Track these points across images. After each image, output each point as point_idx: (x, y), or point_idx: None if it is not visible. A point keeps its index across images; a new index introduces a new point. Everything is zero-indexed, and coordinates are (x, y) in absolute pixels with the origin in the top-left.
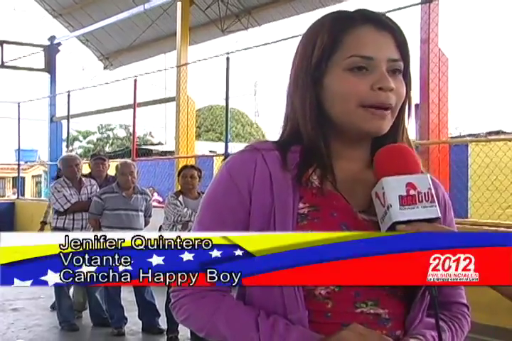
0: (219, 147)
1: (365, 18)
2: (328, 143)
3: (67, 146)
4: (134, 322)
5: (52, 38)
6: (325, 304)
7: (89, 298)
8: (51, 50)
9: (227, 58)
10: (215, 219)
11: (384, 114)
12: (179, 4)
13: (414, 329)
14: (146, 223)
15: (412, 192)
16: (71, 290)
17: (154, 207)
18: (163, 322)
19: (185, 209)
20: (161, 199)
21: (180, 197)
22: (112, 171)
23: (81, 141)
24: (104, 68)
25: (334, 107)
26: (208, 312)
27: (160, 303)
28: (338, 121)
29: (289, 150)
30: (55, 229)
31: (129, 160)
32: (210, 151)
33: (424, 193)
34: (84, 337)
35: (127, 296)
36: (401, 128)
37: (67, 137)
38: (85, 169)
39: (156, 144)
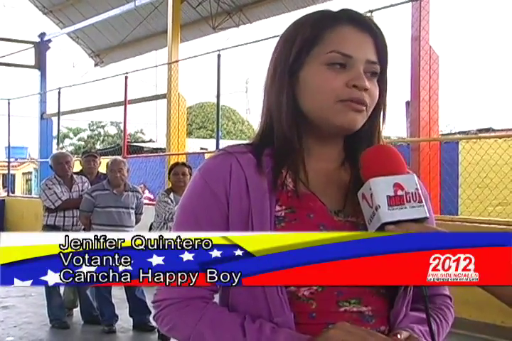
0: (210, 144)
1: (349, 17)
2: (301, 140)
3: (58, 143)
4: (125, 320)
5: (42, 35)
6: (309, 305)
7: (80, 296)
8: (41, 47)
9: (219, 55)
10: (194, 228)
11: (360, 107)
12: (170, 1)
13: (399, 324)
14: (137, 220)
15: (399, 192)
16: (61, 288)
17: (145, 204)
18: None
19: (176, 207)
20: (152, 197)
21: (171, 195)
22: (103, 168)
23: (72, 138)
24: (95, 65)
25: (308, 101)
26: (192, 320)
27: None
28: (311, 115)
29: (262, 153)
30: (46, 226)
31: (119, 157)
32: (201, 148)
33: (412, 193)
34: (75, 335)
35: (118, 294)
36: (376, 133)
37: (58, 134)
38: (77, 166)
39: (147, 141)
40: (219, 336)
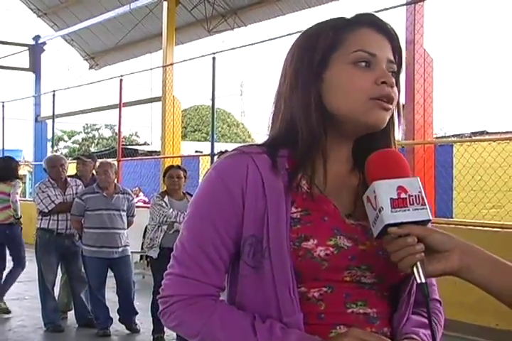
0: (205, 147)
1: (370, 21)
2: (324, 144)
3: (52, 146)
4: (119, 323)
5: (37, 38)
6: (318, 306)
7: (74, 299)
8: (36, 50)
9: (213, 58)
10: (207, 225)
11: (388, 106)
12: (165, 4)
13: (403, 327)
14: (130, 223)
15: (403, 195)
16: (56, 291)
17: (140, 207)
18: (148, 323)
19: (171, 210)
20: (147, 200)
21: (166, 198)
22: None
23: (66, 141)
24: (90, 68)
25: (337, 101)
26: (201, 318)
27: (146, 304)
28: (340, 114)
29: (277, 154)
30: (40, 229)
31: (106, 160)
32: (196, 151)
33: (415, 196)
34: (70, 338)
35: (112, 297)
36: (392, 133)
37: (52, 137)
38: (72, 169)
39: (141, 144)
40: (230, 334)
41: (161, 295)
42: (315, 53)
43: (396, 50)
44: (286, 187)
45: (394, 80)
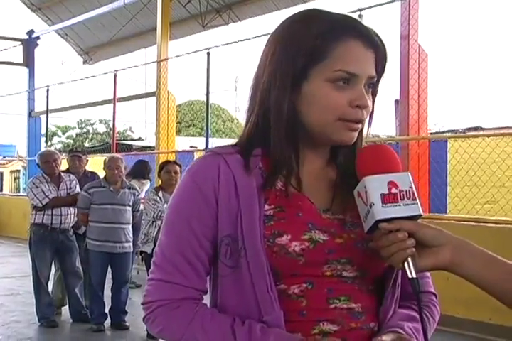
0: (200, 142)
1: (358, 32)
2: (297, 146)
3: (46, 141)
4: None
5: (30, 32)
6: (299, 303)
7: (69, 294)
8: (30, 44)
9: (208, 53)
10: (183, 228)
11: (357, 127)
12: None
13: (388, 321)
14: (134, 218)
15: (393, 190)
16: (50, 286)
17: None
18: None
19: (165, 205)
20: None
21: (160, 193)
22: (92, 167)
23: (60, 136)
24: (84, 63)
25: (310, 115)
26: (183, 323)
27: (140, 299)
28: (311, 128)
29: (250, 153)
30: (34, 225)
31: (116, 155)
32: (191, 146)
33: (406, 191)
34: (64, 334)
35: (108, 293)
36: (361, 135)
37: (46, 132)
38: (64, 164)
39: (136, 139)
40: (210, 338)
41: (144, 301)
42: (296, 61)
43: (380, 59)
44: (259, 186)
45: (369, 102)
